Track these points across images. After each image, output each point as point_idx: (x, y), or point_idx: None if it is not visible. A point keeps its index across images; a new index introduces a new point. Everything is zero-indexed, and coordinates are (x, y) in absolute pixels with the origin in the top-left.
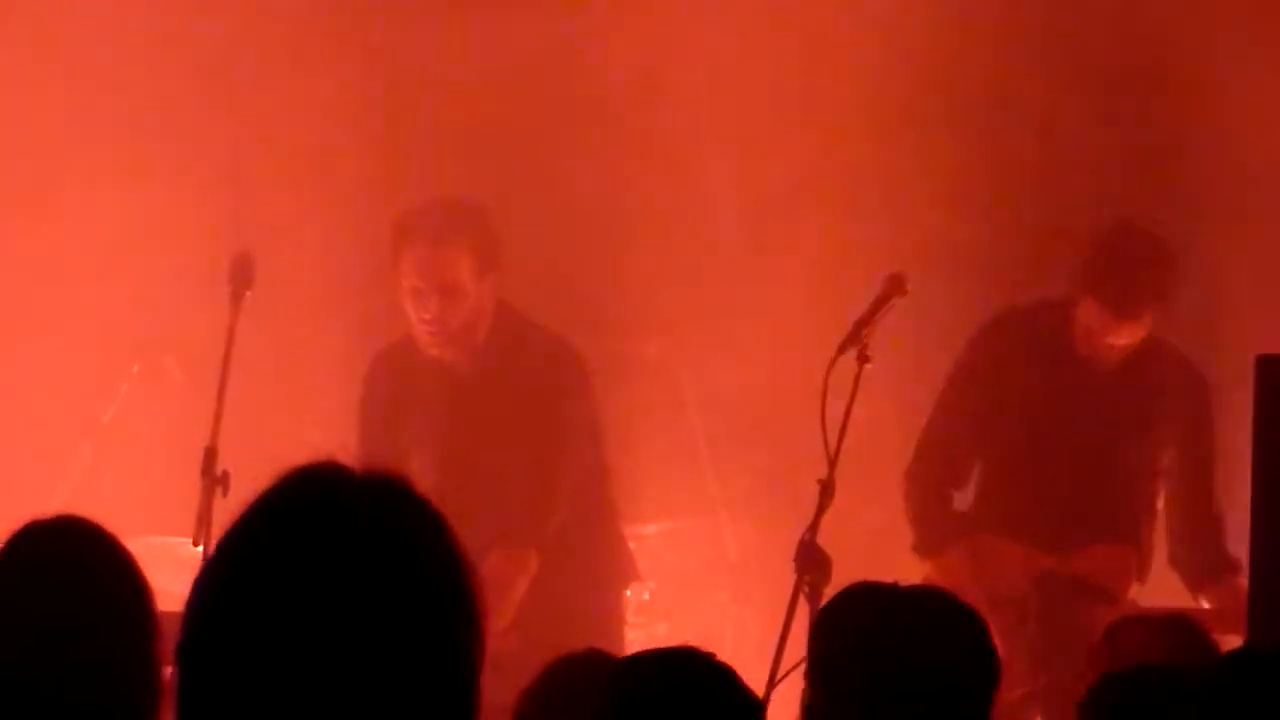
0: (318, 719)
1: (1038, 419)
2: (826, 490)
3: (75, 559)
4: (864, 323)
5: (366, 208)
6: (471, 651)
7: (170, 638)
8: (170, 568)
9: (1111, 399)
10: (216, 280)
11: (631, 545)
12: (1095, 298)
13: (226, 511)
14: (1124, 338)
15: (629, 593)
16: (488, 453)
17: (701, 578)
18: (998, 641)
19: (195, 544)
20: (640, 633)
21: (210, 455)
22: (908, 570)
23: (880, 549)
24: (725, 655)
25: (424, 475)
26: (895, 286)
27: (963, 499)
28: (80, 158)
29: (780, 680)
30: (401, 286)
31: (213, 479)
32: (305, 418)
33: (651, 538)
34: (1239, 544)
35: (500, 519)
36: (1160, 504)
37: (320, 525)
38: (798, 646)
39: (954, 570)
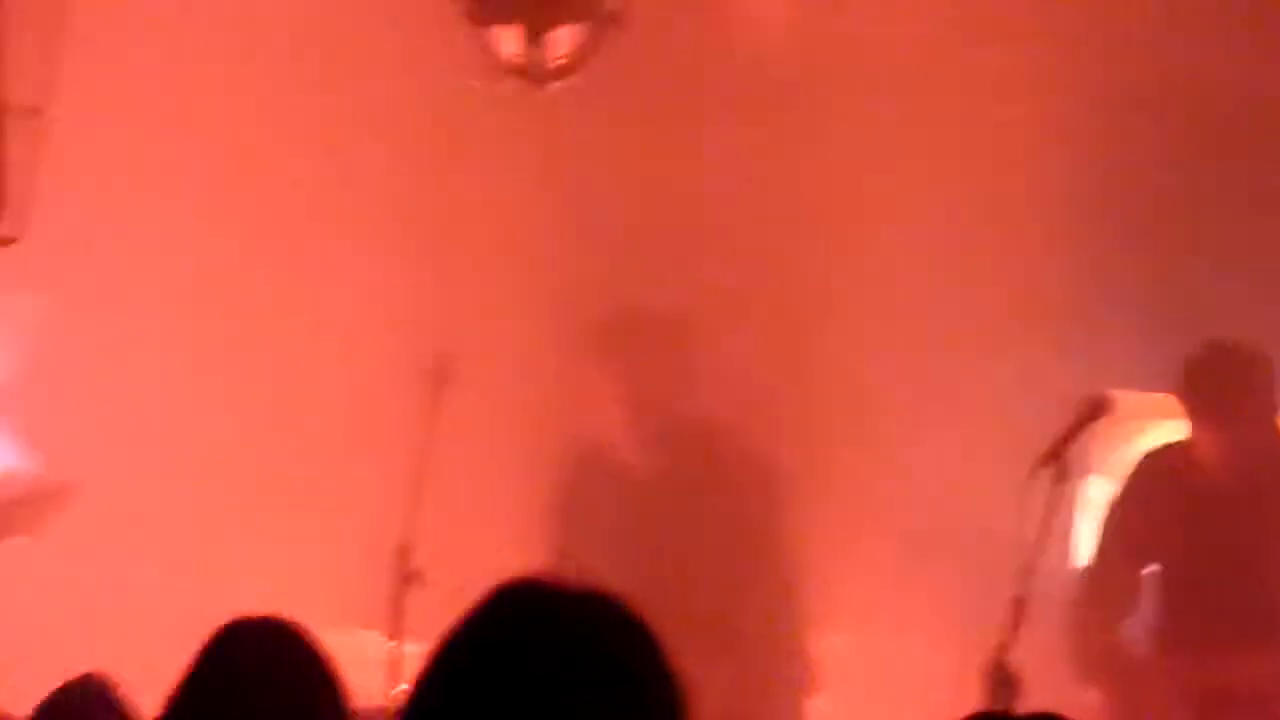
0: None
1: (1182, 538)
2: (1019, 607)
3: (277, 658)
4: (1064, 442)
5: (560, 307)
6: None
7: None
8: (359, 663)
9: (1242, 506)
10: (413, 375)
11: (816, 654)
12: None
13: (419, 607)
14: (1215, 446)
15: (811, 702)
16: (676, 556)
17: (886, 691)
18: None
19: (390, 639)
20: None
21: (403, 552)
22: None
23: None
24: None
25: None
26: (1098, 409)
27: (1123, 625)
28: (270, 246)
29: None
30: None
31: (405, 575)
32: (497, 515)
33: (838, 647)
34: None
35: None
36: None
37: (535, 649)
38: None
39: (1117, 696)
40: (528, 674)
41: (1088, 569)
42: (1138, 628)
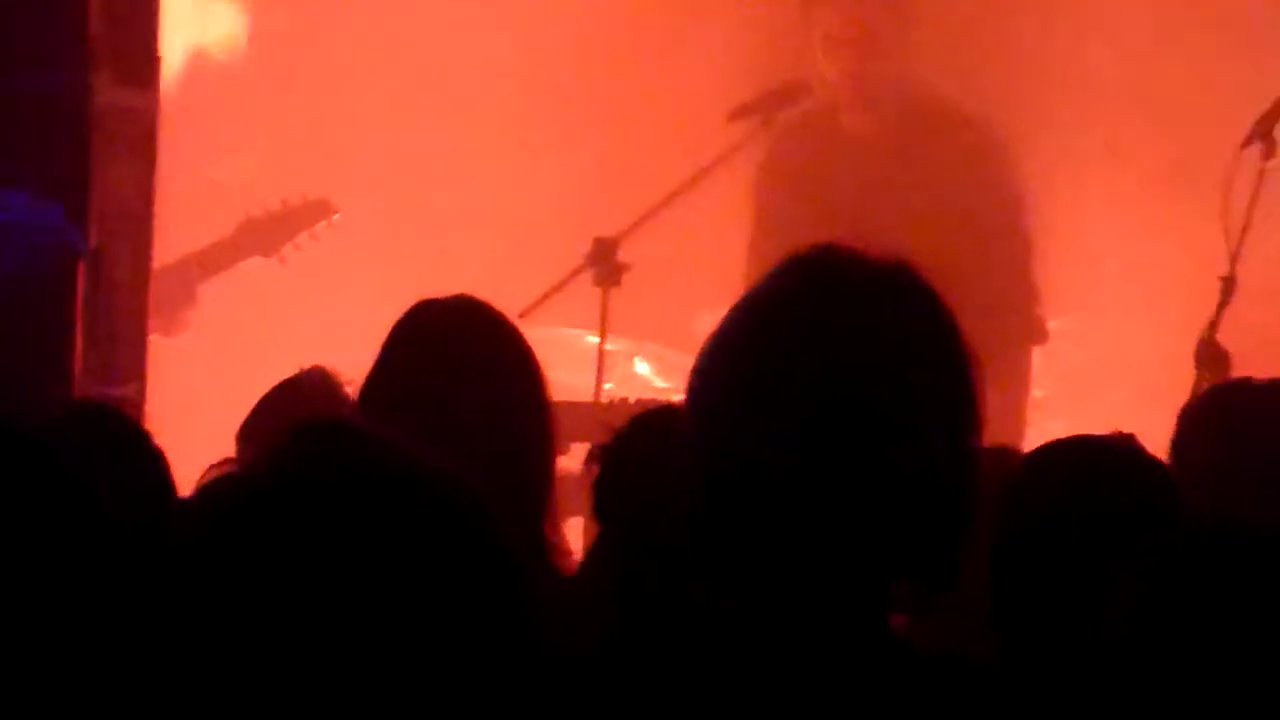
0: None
1: None
2: (1228, 287)
3: (470, 339)
4: (1271, 116)
5: None
6: (972, 451)
7: (564, 427)
8: (566, 359)
9: None
10: None
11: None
12: None
13: (623, 302)
14: None
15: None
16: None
17: (1101, 376)
18: None
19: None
20: (1035, 429)
21: (605, 245)
22: None
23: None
24: None
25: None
26: None
27: None
28: None
29: None
30: (812, 38)
31: (609, 269)
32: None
33: (1053, 333)
34: None
35: None
36: None
37: (831, 315)
38: None
39: None
40: (837, 351)
41: None
42: None
